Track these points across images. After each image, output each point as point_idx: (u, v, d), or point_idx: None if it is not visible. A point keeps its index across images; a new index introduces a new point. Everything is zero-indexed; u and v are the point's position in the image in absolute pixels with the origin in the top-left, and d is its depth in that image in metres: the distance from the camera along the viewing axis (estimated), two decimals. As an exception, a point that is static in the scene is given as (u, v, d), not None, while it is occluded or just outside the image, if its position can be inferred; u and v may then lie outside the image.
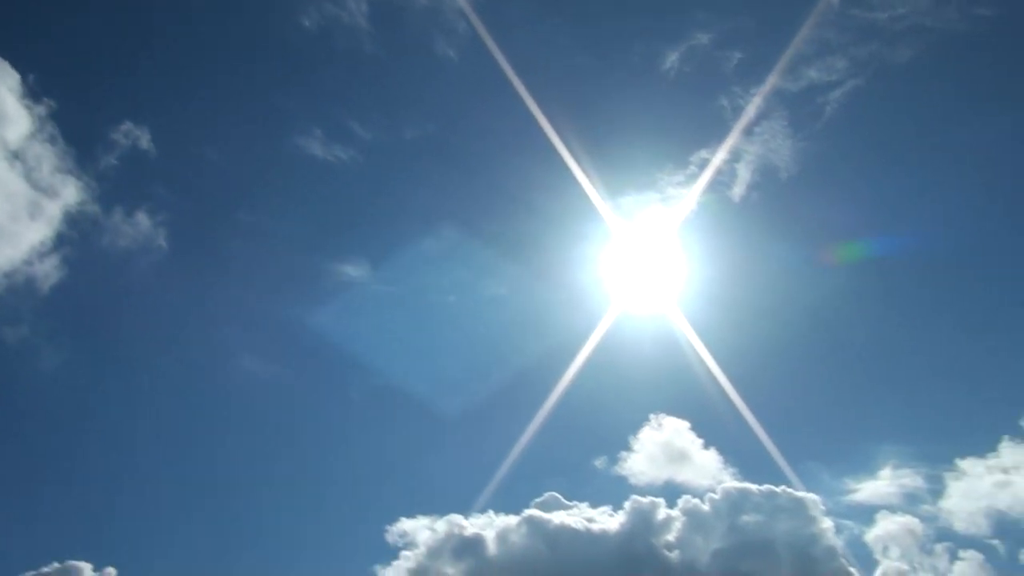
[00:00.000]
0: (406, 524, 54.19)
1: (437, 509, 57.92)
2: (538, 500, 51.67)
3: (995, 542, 54.47)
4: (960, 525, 55.66)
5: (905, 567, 49.05)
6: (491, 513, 52.27)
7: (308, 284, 70.16)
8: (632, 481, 54.79)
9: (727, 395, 55.66)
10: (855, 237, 66.19)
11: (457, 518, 52.33)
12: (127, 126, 60.09)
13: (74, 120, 59.25)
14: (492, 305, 65.50)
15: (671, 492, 55.84)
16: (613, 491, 59.77)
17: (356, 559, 60.71)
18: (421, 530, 53.33)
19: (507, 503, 54.53)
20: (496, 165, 67.31)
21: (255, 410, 67.94)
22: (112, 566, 50.27)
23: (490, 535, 51.19)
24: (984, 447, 56.84)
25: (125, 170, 61.12)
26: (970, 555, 52.22)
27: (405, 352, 69.74)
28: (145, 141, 60.21)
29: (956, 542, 53.46)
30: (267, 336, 69.09)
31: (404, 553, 52.38)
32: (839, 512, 58.50)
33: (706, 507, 48.45)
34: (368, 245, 69.64)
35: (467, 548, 51.41)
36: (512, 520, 51.31)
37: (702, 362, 52.10)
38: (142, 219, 62.20)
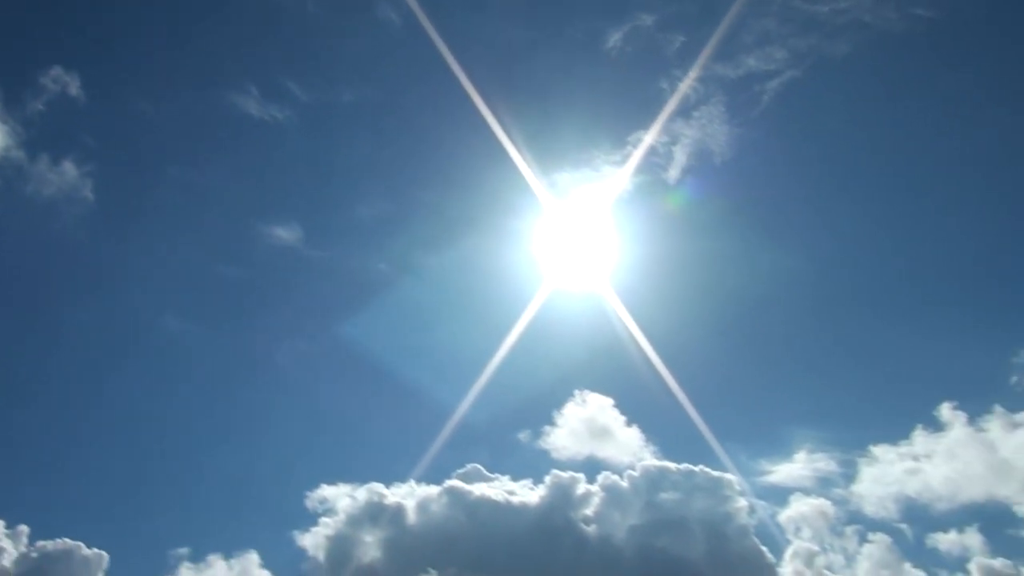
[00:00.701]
0: (327, 491, 53.99)
1: (358, 477, 57.91)
2: (460, 471, 51.89)
3: (903, 526, 56.44)
4: (870, 509, 57.47)
5: (815, 548, 50.44)
6: (412, 483, 52.38)
7: (237, 245, 69.08)
8: (554, 456, 55.31)
9: (653, 374, 56.28)
10: (784, 225, 67.55)
11: (378, 487, 52.31)
12: (56, 71, 58.17)
13: (1, 62, 57.30)
14: (424, 275, 65.21)
15: (592, 468, 56.50)
16: (535, 465, 60.30)
17: (274, 524, 60.35)
18: (341, 497, 53.19)
19: (429, 474, 54.53)
20: (432, 136, 66.87)
21: (175, 369, 66.88)
22: (25, 524, 49.43)
23: (411, 504, 51.30)
24: (897, 435, 58.58)
25: (53, 117, 59.31)
26: (879, 538, 53.98)
27: (333, 319, 69.22)
28: (75, 88, 58.41)
29: (866, 525, 55.20)
30: (192, 295, 67.93)
31: (323, 520, 52.23)
32: (755, 493, 59.86)
33: (625, 483, 49.15)
34: (301, 209, 68.75)
35: (387, 517, 51.43)
36: (433, 490, 51.47)
37: (630, 340, 52.60)
38: (68, 168, 60.48)
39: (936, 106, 65.17)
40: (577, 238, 55.60)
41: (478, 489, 50.29)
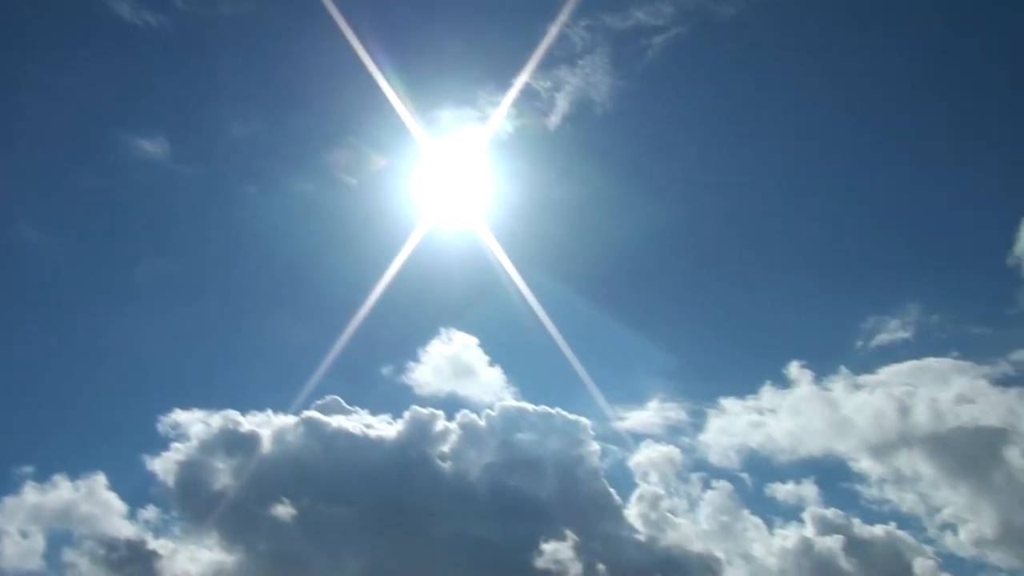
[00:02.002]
0: (180, 416, 52.81)
1: (214, 404, 56.65)
2: (319, 403, 51.49)
3: (744, 475, 59.42)
4: (715, 458, 60.09)
5: (661, 492, 52.52)
6: (269, 412, 51.75)
7: (100, 154, 65.67)
8: (416, 392, 55.50)
9: (520, 316, 56.83)
10: (657, 181, 68.81)
11: (233, 414, 51.43)
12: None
13: None
14: (295, 203, 63.71)
15: (453, 405, 56.93)
16: (396, 400, 60.28)
17: (124, 447, 58.62)
18: (195, 423, 52.09)
19: (287, 404, 53.95)
20: (310, 63, 64.63)
21: (27, 281, 63.63)
22: None
23: (266, 434, 50.69)
24: (746, 389, 61.24)
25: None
26: (721, 485, 56.58)
27: (198, 238, 67.08)
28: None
29: (710, 473, 57.73)
30: (49, 203, 64.39)
31: (175, 445, 51.13)
32: (607, 437, 61.66)
33: (482, 423, 49.81)
34: (169, 122, 65.64)
35: (241, 445, 50.69)
36: (290, 421, 50.99)
37: (502, 282, 52.93)
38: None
39: (813, 74, 67.20)
40: (455, 177, 55.23)
41: (336, 421, 50.09)
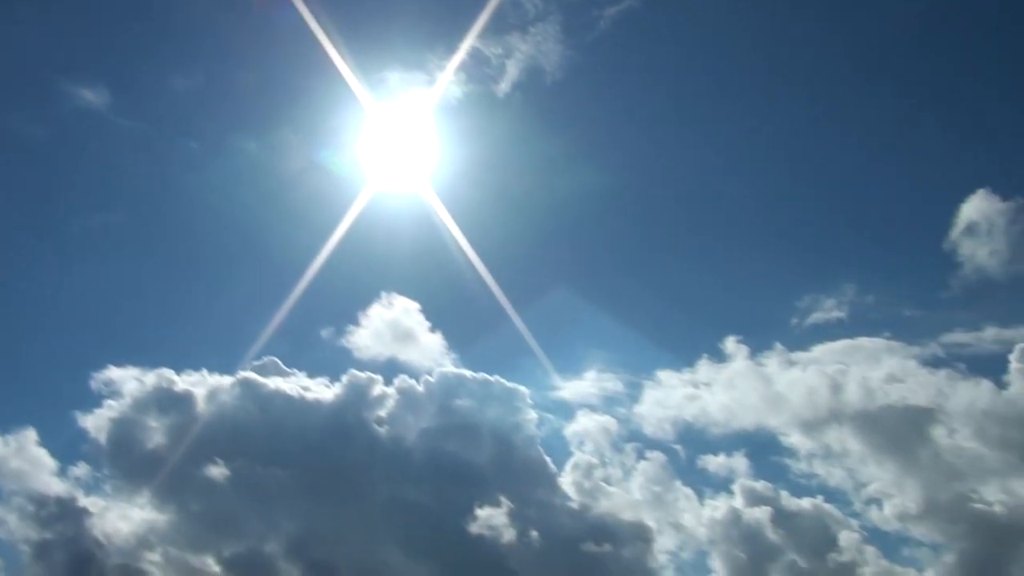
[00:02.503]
0: (114, 373, 52.11)
1: (148, 361, 55.88)
2: (256, 363, 51.02)
3: (678, 447, 60.49)
4: (649, 429, 60.98)
5: (595, 461, 53.13)
6: (205, 372, 51.20)
7: (38, 102, 63.95)
8: (356, 355, 55.27)
9: (462, 282, 56.77)
10: (604, 151, 68.95)
11: (168, 373, 50.76)
12: None
13: None
14: (238, 162, 62.68)
15: (392, 370, 56.77)
16: (335, 363, 59.93)
17: (55, 403, 57.76)
18: (129, 381, 51.44)
19: (223, 364, 53.44)
20: (255, 19, 63.44)
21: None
22: None
23: (201, 393, 50.16)
24: (683, 362, 62.14)
25: None
26: (655, 456, 57.44)
27: (138, 193, 65.89)
28: None
29: (644, 443, 58.59)
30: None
31: (108, 402, 50.47)
32: (544, 406, 62.19)
33: (421, 388, 49.82)
34: (111, 72, 64.11)
35: (175, 404, 50.10)
36: (226, 381, 50.50)
37: (444, 248, 52.74)
38: None
39: (761, 54, 67.66)
40: (401, 140, 54.69)
41: (273, 383, 49.70)
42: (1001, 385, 55.62)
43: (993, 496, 56.73)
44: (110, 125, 63.24)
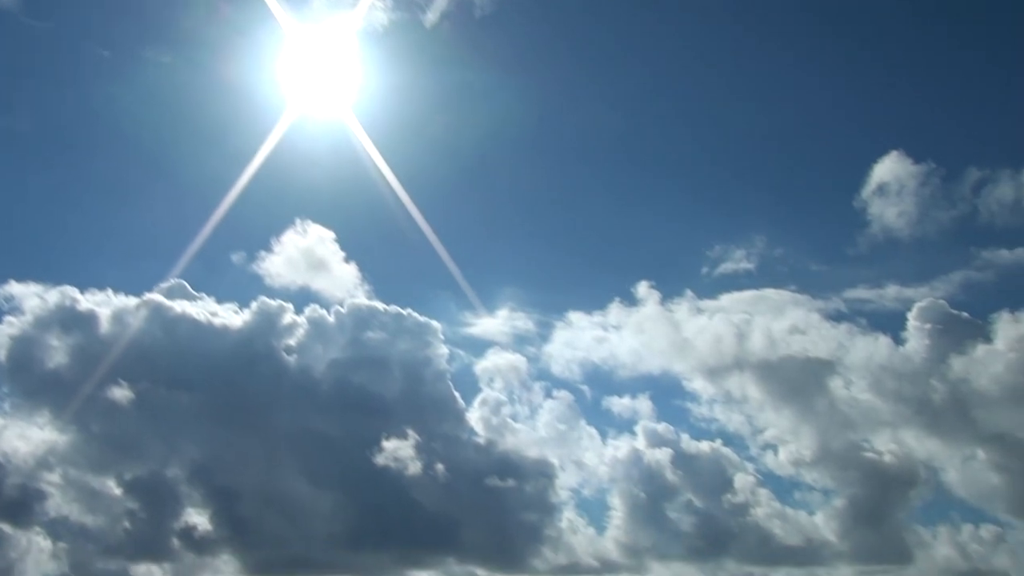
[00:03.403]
0: (14, 288, 50.64)
1: (51, 278, 54.40)
2: (163, 286, 49.99)
3: (584, 388, 61.77)
4: (558, 369, 61.97)
5: (503, 398, 53.79)
6: (110, 292, 50.02)
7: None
8: (267, 282, 54.57)
9: (381, 213, 56.31)
10: (529, 89, 68.59)
11: (72, 291, 49.44)
12: None
13: None
14: (152, 73, 60.48)
15: (303, 299, 56.20)
16: (245, 289, 59.08)
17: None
18: (30, 297, 50.01)
19: (129, 284, 52.32)
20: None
21: None
22: None
23: (105, 313, 49.02)
24: (594, 304, 63.02)
25: None
26: (562, 395, 58.46)
27: (47, 100, 63.43)
28: None
29: (552, 383, 59.55)
30: None
31: (8, 319, 49.07)
32: (455, 342, 62.66)
33: (332, 319, 49.49)
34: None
35: (78, 323, 48.86)
36: (131, 302, 49.46)
37: (364, 177, 52.17)
38: None
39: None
40: (324, 66, 53.37)
41: (180, 306, 48.81)
42: (899, 341, 57.84)
43: (883, 446, 59.41)
44: (20, 25, 60.35)
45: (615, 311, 63.10)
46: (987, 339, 56.85)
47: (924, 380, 54.64)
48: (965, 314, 58.53)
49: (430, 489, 46.94)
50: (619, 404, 60.16)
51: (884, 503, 58.40)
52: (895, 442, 58.73)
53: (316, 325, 49.01)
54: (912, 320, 56.31)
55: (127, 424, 47.22)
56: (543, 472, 49.87)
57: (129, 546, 46.41)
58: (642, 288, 61.54)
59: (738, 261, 66.76)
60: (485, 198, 69.10)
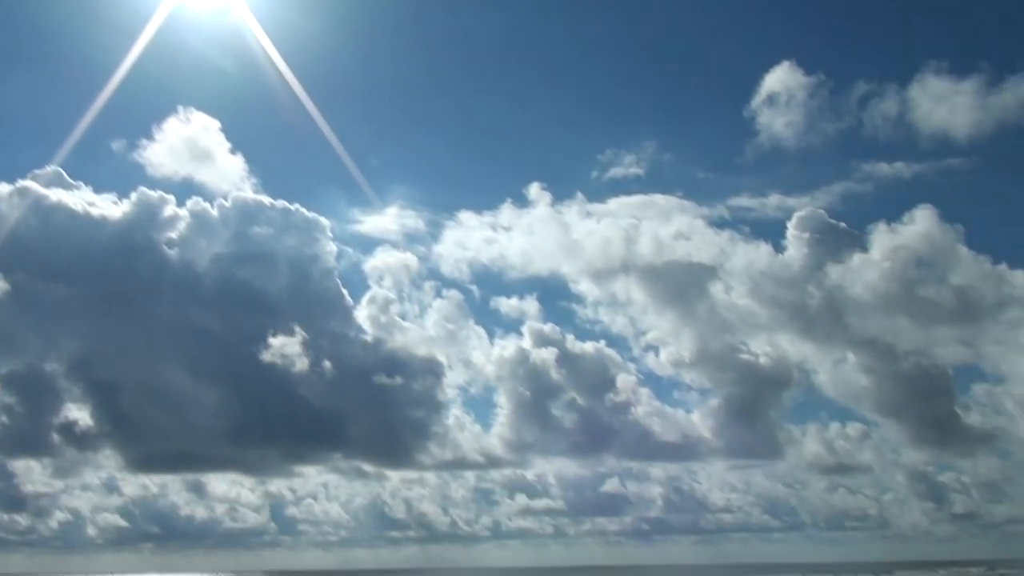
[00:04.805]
0: None
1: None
2: (38, 172, 47.91)
3: (473, 288, 62.54)
4: (447, 268, 62.42)
5: (392, 296, 53.86)
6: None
7: None
8: (149, 172, 52.91)
9: (271, 102, 54.78)
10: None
11: (-63, 175, 47.03)
12: None
13: None
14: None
15: (186, 191, 54.74)
16: (126, 178, 57.19)
17: None
18: None
19: (3, 170, 49.87)
20: None
21: None
22: None
23: (-26, 201, 46.88)
24: (485, 205, 63.48)
25: None
26: (452, 295, 59.01)
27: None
28: None
29: (442, 282, 60.00)
30: None
31: None
32: (344, 239, 62.43)
33: (215, 212, 48.34)
34: None
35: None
36: (4, 189, 47.37)
37: (254, 65, 50.66)
38: None
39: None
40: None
41: (55, 195, 46.94)
42: (779, 249, 59.88)
43: (759, 348, 62.09)
44: None
45: (506, 212, 63.58)
46: (863, 249, 59.57)
47: (801, 287, 57.10)
48: (843, 224, 60.94)
49: (317, 386, 47.10)
50: (507, 304, 61.13)
51: (758, 403, 61.44)
52: (771, 345, 61.48)
53: (199, 218, 47.82)
54: (792, 229, 58.32)
55: (1, 316, 45.85)
56: (431, 370, 50.55)
57: (7, 441, 45.70)
58: (534, 189, 62.05)
59: (628, 166, 67.69)
60: (378, 92, 67.94)
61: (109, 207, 47.69)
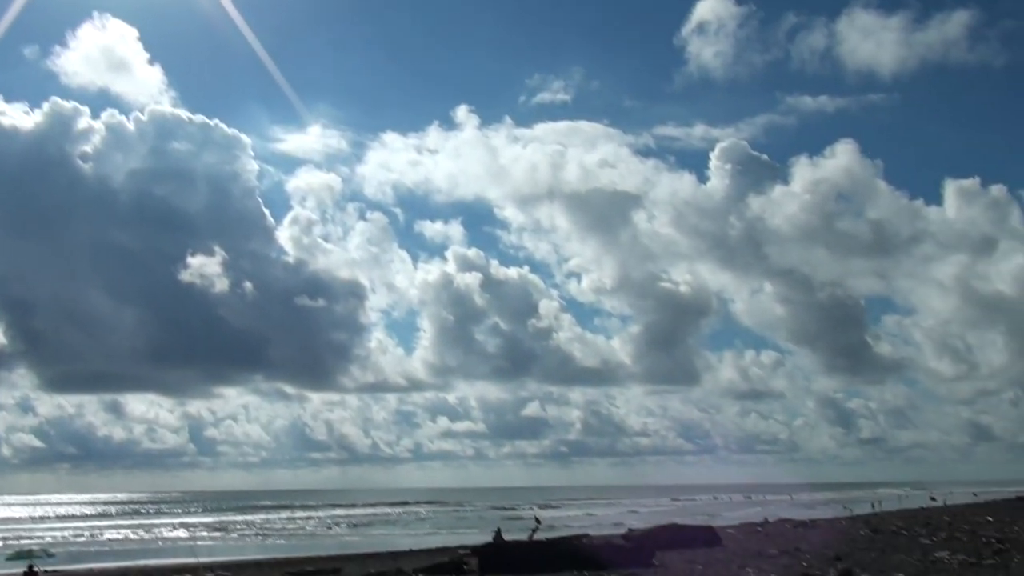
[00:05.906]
0: None
1: None
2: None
3: (397, 211, 62.56)
4: (371, 191, 62.50)
5: (315, 217, 53.53)
6: None
7: None
8: (63, 81, 51.22)
9: (190, 13, 52.87)
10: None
11: None
12: None
13: None
14: None
15: (101, 102, 53.03)
16: (38, 87, 55.05)
17: None
18: None
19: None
20: None
21: None
22: None
23: None
24: (412, 126, 63.08)
25: None
26: (376, 217, 59.29)
27: None
28: None
29: (366, 204, 60.02)
30: None
31: None
32: (265, 158, 61.24)
33: (132, 126, 47.03)
34: None
35: None
36: (-97, 97, 45.20)
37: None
38: None
39: None
40: None
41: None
42: (702, 179, 61.52)
43: (680, 277, 64.00)
44: None
45: (433, 134, 63.57)
46: (784, 181, 60.88)
47: (722, 217, 58.27)
48: (765, 156, 62.54)
49: (238, 307, 46.92)
50: (431, 228, 61.63)
51: (676, 330, 63.34)
52: (691, 274, 63.35)
53: (115, 132, 46.76)
54: (714, 160, 59.68)
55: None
56: (353, 293, 50.86)
57: (-86, 361, 44.39)
58: (461, 112, 62.20)
59: (555, 92, 67.81)
60: (304, 5, 66.13)
61: (20, 117, 46.13)
